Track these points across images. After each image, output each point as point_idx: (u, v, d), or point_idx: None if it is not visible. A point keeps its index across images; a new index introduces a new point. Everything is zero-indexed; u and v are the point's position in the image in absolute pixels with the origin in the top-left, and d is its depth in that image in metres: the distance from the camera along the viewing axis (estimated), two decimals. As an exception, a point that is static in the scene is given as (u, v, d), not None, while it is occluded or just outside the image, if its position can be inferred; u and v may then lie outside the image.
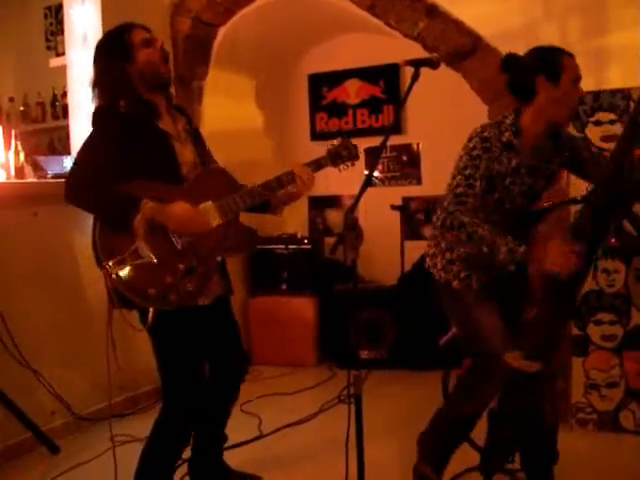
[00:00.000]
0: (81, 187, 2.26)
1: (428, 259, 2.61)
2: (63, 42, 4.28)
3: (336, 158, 2.60)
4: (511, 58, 2.44)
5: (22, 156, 3.69)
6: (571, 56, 2.37)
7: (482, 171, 2.35)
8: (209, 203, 2.37)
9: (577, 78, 2.35)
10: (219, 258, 2.44)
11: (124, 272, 2.21)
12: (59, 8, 4.86)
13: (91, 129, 2.39)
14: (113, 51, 2.40)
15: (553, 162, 2.49)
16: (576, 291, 2.35)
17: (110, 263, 2.19)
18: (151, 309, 2.28)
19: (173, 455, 2.55)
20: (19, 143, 3.68)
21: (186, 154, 2.48)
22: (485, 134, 2.39)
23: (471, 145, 2.39)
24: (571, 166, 2.57)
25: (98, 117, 2.39)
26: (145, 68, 2.39)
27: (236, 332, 2.68)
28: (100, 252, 2.22)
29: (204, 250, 2.35)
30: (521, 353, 2.29)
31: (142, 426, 3.65)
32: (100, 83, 2.42)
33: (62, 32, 4.49)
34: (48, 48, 5.30)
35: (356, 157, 2.65)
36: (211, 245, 2.37)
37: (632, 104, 3.29)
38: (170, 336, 2.41)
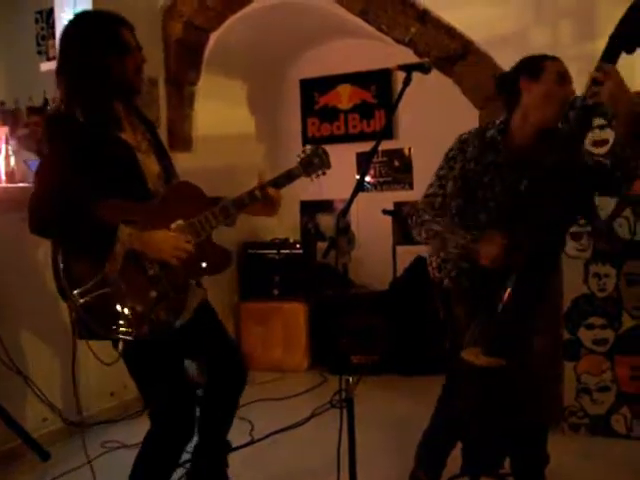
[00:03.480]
0: (50, 215, 2.05)
1: (427, 258, 2.66)
2: (54, 46, 4.27)
3: (308, 167, 2.48)
4: (501, 75, 2.55)
5: (13, 160, 3.67)
6: (555, 59, 2.40)
7: (457, 172, 2.44)
8: (180, 222, 2.23)
9: (561, 76, 2.36)
10: (193, 282, 2.30)
11: (90, 303, 2.04)
12: (50, 12, 4.85)
13: (47, 141, 2.13)
14: (108, 44, 2.16)
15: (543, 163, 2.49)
16: (532, 284, 2.32)
17: (75, 293, 2.03)
18: (120, 343, 2.15)
19: (164, 472, 2.41)
20: (10, 147, 3.67)
21: (150, 165, 2.30)
22: (464, 136, 2.49)
23: (450, 147, 2.49)
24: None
25: (54, 128, 2.15)
26: (128, 75, 2.20)
27: (225, 336, 2.53)
28: (65, 281, 2.05)
29: (177, 275, 2.19)
30: (480, 349, 2.30)
31: (132, 432, 3.65)
32: (80, 73, 2.15)
33: (53, 36, 4.49)
34: (39, 52, 5.28)
35: (328, 165, 2.53)
36: (185, 269, 2.20)
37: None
38: (145, 360, 2.26)
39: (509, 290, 2.23)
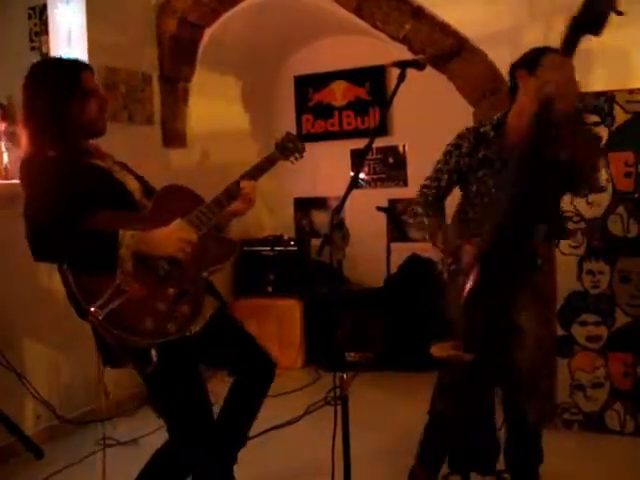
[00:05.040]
0: (50, 240, 2.03)
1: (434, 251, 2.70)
2: (47, 42, 4.25)
3: (285, 150, 2.66)
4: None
5: (6, 157, 3.66)
6: (557, 52, 2.32)
7: (452, 165, 2.50)
8: (178, 221, 2.22)
9: None
10: (205, 274, 2.30)
11: (113, 313, 1.98)
12: (43, 8, 4.82)
13: (27, 183, 2.13)
14: (68, 90, 2.20)
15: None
16: (499, 284, 2.32)
17: (94, 308, 1.97)
18: (153, 350, 2.09)
19: None
20: (3, 144, 3.65)
21: (130, 182, 2.34)
22: (463, 132, 2.52)
23: (449, 142, 2.53)
24: None
25: (32, 167, 2.16)
26: (92, 117, 2.24)
27: (247, 338, 2.57)
28: (81, 299, 2.01)
29: (188, 269, 2.20)
30: (455, 344, 2.31)
31: (127, 429, 3.65)
32: (42, 121, 2.19)
33: (46, 32, 4.47)
34: (32, 49, 5.25)
35: (302, 149, 2.73)
36: (194, 262, 2.22)
37: (616, 107, 3.31)
38: (172, 377, 2.23)
39: (468, 286, 2.26)
